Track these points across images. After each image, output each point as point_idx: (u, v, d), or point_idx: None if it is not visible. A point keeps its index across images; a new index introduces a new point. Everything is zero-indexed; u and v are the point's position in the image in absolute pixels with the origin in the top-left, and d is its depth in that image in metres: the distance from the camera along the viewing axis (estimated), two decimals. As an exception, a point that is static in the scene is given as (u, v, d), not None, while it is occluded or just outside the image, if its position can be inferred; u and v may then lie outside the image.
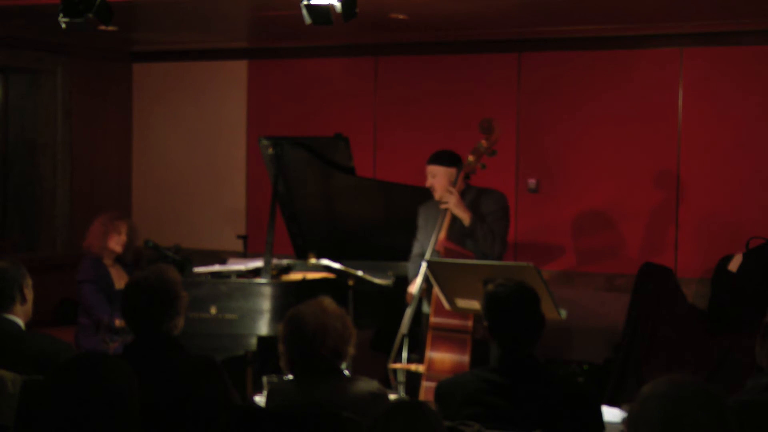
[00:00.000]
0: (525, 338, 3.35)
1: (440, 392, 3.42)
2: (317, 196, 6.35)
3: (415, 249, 5.58)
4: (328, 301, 3.54)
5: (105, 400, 2.57)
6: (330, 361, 3.46)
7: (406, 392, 4.98)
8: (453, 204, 5.23)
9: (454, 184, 5.32)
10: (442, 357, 5.06)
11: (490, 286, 3.43)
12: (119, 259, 6.24)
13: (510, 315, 3.36)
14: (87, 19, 4.24)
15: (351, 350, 3.53)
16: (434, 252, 5.21)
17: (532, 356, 3.35)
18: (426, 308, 5.40)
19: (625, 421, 3.81)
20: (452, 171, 5.36)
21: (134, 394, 2.64)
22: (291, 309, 3.52)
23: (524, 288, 3.41)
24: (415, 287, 5.34)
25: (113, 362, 2.67)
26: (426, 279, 5.21)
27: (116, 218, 6.23)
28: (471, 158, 5.30)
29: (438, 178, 5.36)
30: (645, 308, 6.23)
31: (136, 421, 2.64)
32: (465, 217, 5.25)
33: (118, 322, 5.80)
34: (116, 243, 6.15)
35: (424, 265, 5.16)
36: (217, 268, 6.00)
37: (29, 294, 4.05)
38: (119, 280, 6.12)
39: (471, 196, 5.38)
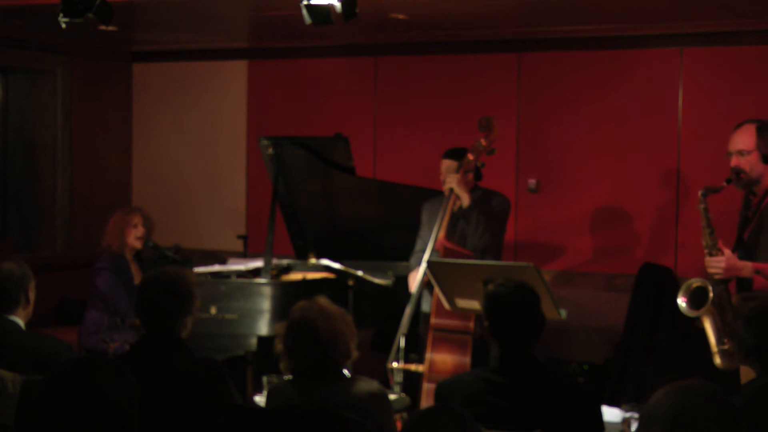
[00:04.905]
0: (525, 338, 3.35)
1: (440, 392, 3.42)
2: (317, 196, 6.35)
3: (418, 245, 5.59)
4: (326, 302, 3.54)
5: (103, 402, 2.57)
6: (341, 363, 3.46)
7: (405, 392, 4.97)
8: (456, 183, 5.26)
9: (448, 196, 5.35)
10: (444, 358, 5.06)
11: (490, 286, 3.43)
12: (137, 256, 6.27)
13: (510, 315, 3.36)
14: (87, 19, 4.24)
15: (355, 351, 3.53)
16: (434, 251, 5.21)
17: (532, 356, 3.35)
18: (425, 307, 5.40)
19: (625, 421, 3.81)
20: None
21: (133, 397, 2.63)
22: (293, 313, 3.50)
23: (524, 288, 3.41)
24: (414, 286, 5.34)
25: (112, 364, 2.66)
26: (425, 276, 5.21)
27: (128, 213, 6.27)
28: (470, 156, 5.31)
29: (453, 172, 5.39)
30: (645, 308, 6.24)
31: (135, 424, 2.63)
32: (465, 197, 5.28)
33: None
34: (134, 237, 6.19)
35: (423, 263, 5.16)
36: (217, 268, 6.01)
37: (32, 296, 4.06)
38: (137, 276, 6.14)
39: (477, 195, 5.39)
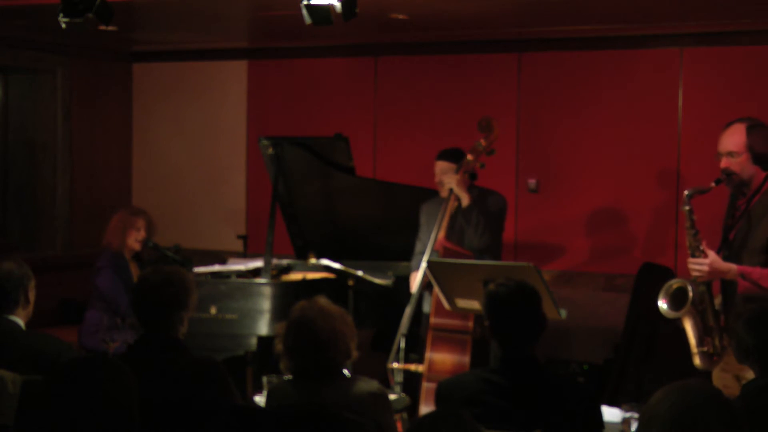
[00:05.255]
0: (526, 338, 3.35)
1: (440, 392, 3.42)
2: (317, 196, 6.35)
3: (418, 247, 5.59)
4: (326, 302, 3.53)
5: (103, 402, 2.57)
6: (341, 364, 3.46)
7: (405, 392, 4.98)
8: (455, 183, 5.26)
9: (447, 196, 5.35)
10: (443, 358, 5.06)
11: (491, 286, 3.43)
12: (136, 256, 6.29)
13: (511, 315, 3.36)
14: (87, 19, 4.24)
15: (355, 351, 3.53)
16: (433, 251, 5.21)
17: (532, 356, 3.35)
18: (426, 308, 5.40)
19: (625, 422, 3.81)
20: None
21: (133, 397, 2.63)
22: (293, 313, 3.50)
23: (526, 288, 3.41)
24: (414, 285, 5.34)
25: (112, 364, 2.66)
26: (425, 277, 5.21)
27: (133, 214, 6.28)
28: (470, 157, 5.31)
29: (449, 174, 5.38)
30: (645, 308, 6.23)
31: (135, 423, 2.63)
32: (464, 197, 5.27)
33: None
34: (134, 240, 6.21)
35: (423, 264, 5.16)
36: (217, 268, 6.01)
37: (32, 296, 4.06)
38: (136, 276, 6.16)
39: (473, 195, 5.39)
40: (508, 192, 5.81)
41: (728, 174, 4.37)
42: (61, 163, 7.78)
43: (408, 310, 5.27)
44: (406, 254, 5.70)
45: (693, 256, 4.31)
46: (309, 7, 3.93)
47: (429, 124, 7.21)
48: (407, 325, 5.23)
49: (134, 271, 6.22)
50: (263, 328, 5.51)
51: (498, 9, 5.72)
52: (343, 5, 3.92)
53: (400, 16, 5.90)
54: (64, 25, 4.26)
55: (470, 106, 6.98)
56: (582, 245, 6.85)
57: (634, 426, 3.76)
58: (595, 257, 6.82)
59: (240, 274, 5.88)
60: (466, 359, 5.01)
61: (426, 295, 5.37)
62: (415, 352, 5.40)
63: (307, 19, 3.96)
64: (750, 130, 4.35)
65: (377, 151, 7.40)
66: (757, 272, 4.22)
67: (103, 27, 6.11)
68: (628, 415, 3.87)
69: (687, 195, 4.39)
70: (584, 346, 6.68)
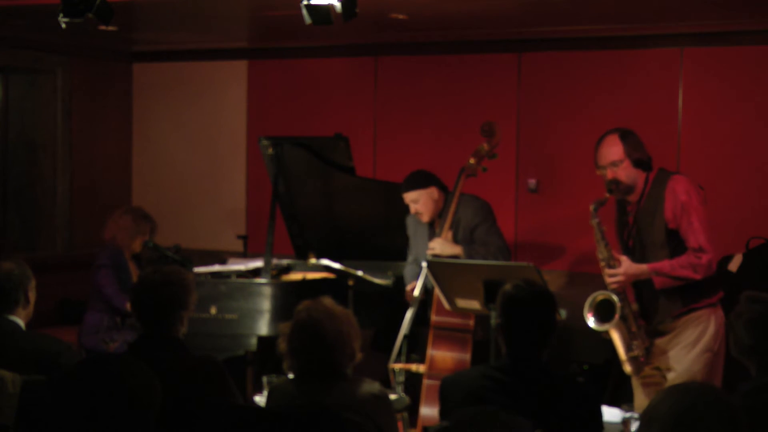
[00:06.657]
0: (535, 342, 3.38)
1: (444, 387, 3.43)
2: (317, 196, 6.35)
3: (410, 258, 5.61)
4: (331, 303, 3.53)
5: (128, 401, 2.52)
6: (345, 365, 3.46)
7: (406, 392, 4.98)
8: (440, 250, 5.24)
9: (449, 198, 5.35)
10: (444, 355, 5.08)
11: (508, 287, 3.44)
12: (134, 256, 6.33)
13: (527, 317, 3.38)
14: (87, 19, 4.24)
15: (359, 352, 3.52)
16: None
17: (538, 357, 3.37)
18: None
19: (625, 422, 3.81)
20: (431, 190, 5.40)
21: (155, 398, 2.58)
22: (299, 314, 3.49)
23: (544, 292, 3.45)
24: (416, 289, 5.35)
25: (135, 363, 2.61)
26: (427, 281, 5.22)
27: (146, 220, 6.31)
28: (472, 161, 5.33)
29: (421, 202, 5.40)
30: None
31: (152, 422, 2.59)
32: (458, 252, 5.25)
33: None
34: (139, 245, 6.26)
35: (425, 266, 5.16)
36: (217, 268, 6.01)
37: (32, 296, 4.07)
38: (135, 275, 6.19)
39: (457, 212, 5.39)
40: (508, 192, 5.81)
41: (616, 183, 4.56)
42: (61, 163, 7.78)
43: (410, 312, 5.28)
44: (406, 254, 5.70)
45: (609, 266, 4.45)
46: (309, 7, 3.93)
47: (429, 124, 7.20)
48: (409, 326, 5.24)
49: (133, 270, 6.23)
50: (263, 328, 5.52)
51: (498, 9, 5.72)
52: (343, 5, 3.92)
53: (400, 16, 5.90)
54: (64, 25, 4.26)
55: (470, 106, 6.98)
56: (582, 245, 6.83)
57: (634, 426, 3.77)
58: (595, 257, 6.80)
59: (240, 274, 5.89)
60: (467, 357, 5.03)
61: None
62: (415, 352, 5.41)
63: (307, 19, 3.96)
64: (624, 138, 4.62)
65: (377, 151, 7.40)
66: (666, 265, 4.44)
67: (103, 27, 6.13)
68: (628, 415, 3.88)
69: (593, 208, 4.57)
70: (584, 346, 6.67)
